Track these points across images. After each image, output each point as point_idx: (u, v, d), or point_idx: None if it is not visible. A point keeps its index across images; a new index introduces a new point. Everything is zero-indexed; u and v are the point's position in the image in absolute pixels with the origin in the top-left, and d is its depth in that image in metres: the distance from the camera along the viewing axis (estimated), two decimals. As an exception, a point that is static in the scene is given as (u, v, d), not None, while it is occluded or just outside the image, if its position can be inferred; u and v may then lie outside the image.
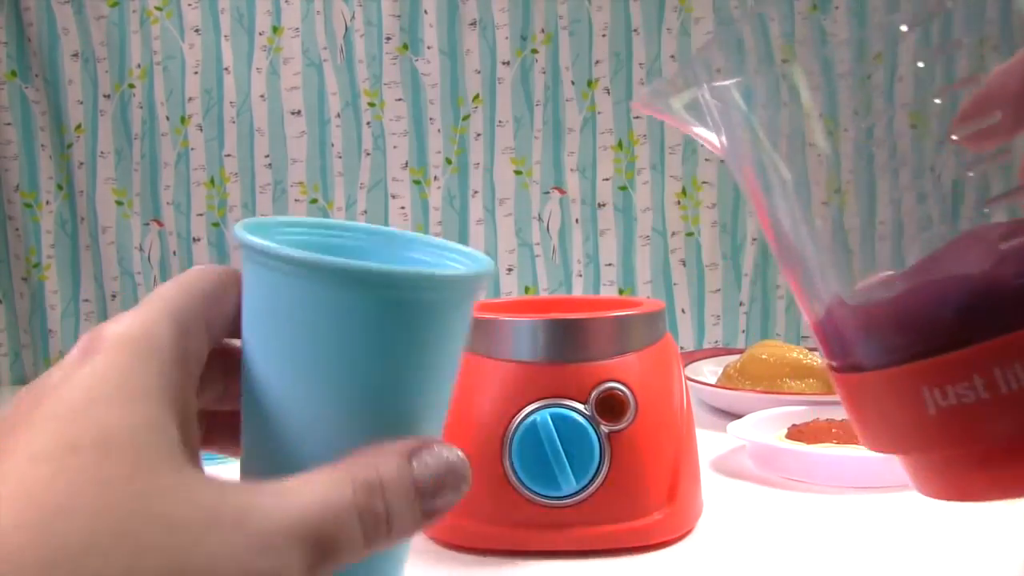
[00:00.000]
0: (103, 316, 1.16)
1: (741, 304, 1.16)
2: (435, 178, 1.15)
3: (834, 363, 0.29)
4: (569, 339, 0.50)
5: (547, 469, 0.48)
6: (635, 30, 1.14)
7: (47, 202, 1.15)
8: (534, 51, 1.14)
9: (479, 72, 1.14)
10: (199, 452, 0.25)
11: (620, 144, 1.16)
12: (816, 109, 0.27)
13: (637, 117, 1.15)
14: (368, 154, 1.15)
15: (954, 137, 0.27)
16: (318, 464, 0.23)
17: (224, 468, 0.26)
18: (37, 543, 0.19)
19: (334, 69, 1.14)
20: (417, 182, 1.16)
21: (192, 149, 1.14)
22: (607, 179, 1.16)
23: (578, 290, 1.16)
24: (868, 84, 0.27)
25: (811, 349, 0.88)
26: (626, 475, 0.49)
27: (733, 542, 0.52)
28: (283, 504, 0.22)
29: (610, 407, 0.49)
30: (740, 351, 0.94)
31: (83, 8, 1.12)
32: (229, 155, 1.14)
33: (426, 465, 0.24)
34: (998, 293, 0.24)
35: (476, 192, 1.16)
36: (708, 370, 0.95)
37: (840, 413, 0.71)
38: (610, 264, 1.16)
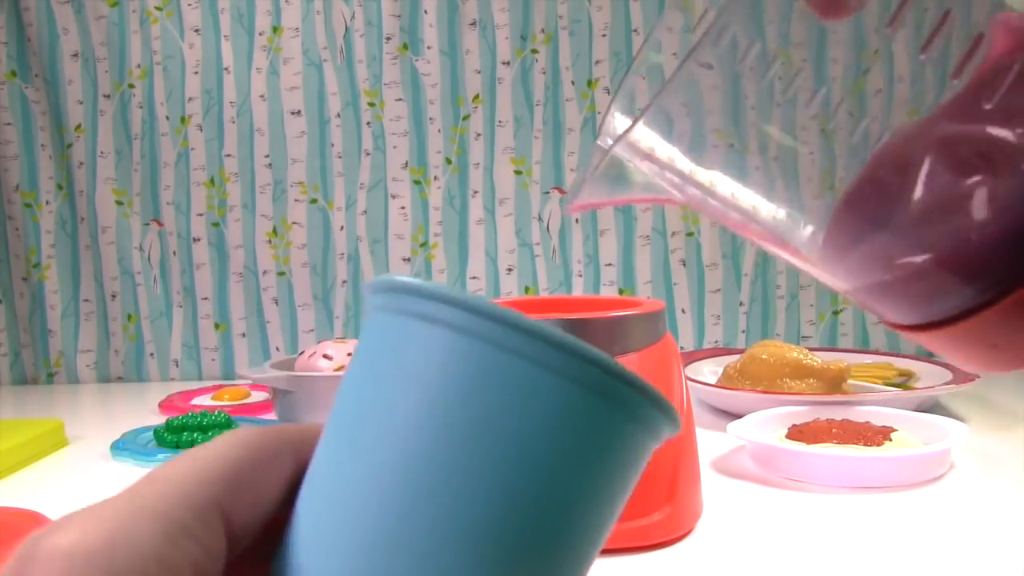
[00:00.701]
0: (103, 316, 1.16)
1: (741, 304, 1.16)
2: (435, 178, 1.16)
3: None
4: (569, 339, 0.50)
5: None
6: (635, 30, 1.14)
7: (47, 202, 1.15)
8: (534, 51, 1.14)
9: (479, 72, 1.14)
10: None
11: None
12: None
13: (637, 117, 1.15)
14: (368, 154, 1.15)
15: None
16: None
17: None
18: None
19: (334, 69, 1.14)
20: (417, 182, 1.16)
21: (192, 149, 1.14)
22: (607, 179, 1.16)
23: (578, 290, 1.16)
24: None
25: (811, 349, 0.88)
26: (626, 475, 0.49)
27: (733, 542, 0.52)
28: None
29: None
30: (740, 351, 0.94)
31: (83, 8, 1.12)
32: (229, 155, 1.14)
33: None
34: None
35: (476, 192, 1.16)
36: (708, 370, 0.95)
37: (840, 413, 0.72)
38: (610, 264, 1.16)
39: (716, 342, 1.16)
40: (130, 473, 0.69)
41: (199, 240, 1.15)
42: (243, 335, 1.16)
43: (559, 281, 1.16)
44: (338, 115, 1.14)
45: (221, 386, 1.03)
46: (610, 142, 0.28)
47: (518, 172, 1.15)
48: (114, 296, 1.16)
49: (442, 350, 0.18)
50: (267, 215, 1.15)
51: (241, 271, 1.16)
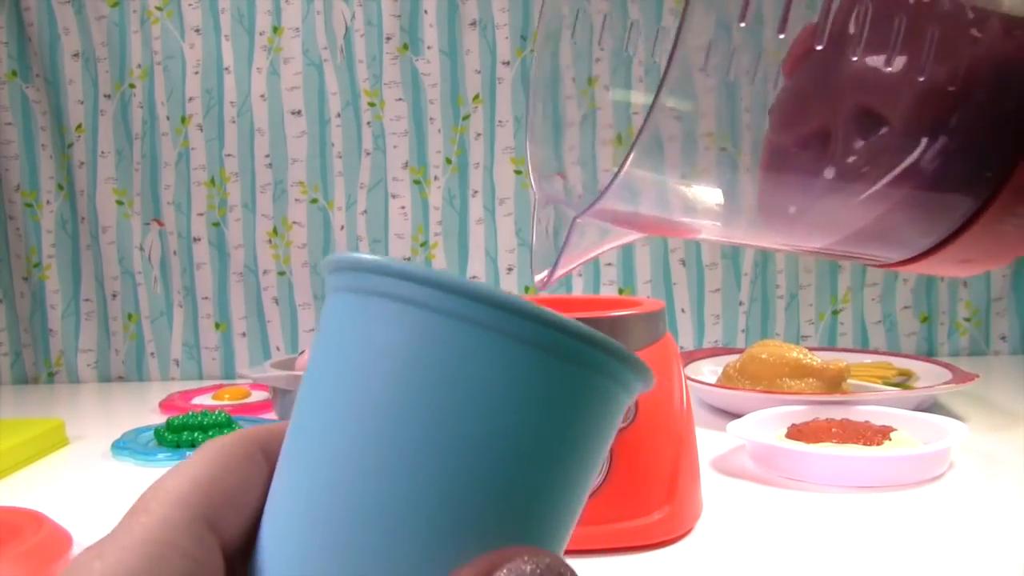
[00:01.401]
0: (103, 316, 1.16)
1: (741, 304, 1.16)
2: (435, 178, 1.16)
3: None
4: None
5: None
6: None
7: (48, 202, 1.15)
8: (534, 51, 1.14)
9: (479, 72, 1.14)
10: None
11: (620, 140, 1.15)
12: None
13: (636, 113, 1.15)
14: (368, 154, 1.15)
15: None
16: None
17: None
18: None
19: (334, 69, 1.14)
20: (417, 182, 1.16)
21: (192, 149, 1.14)
22: (607, 179, 1.16)
23: (578, 290, 1.16)
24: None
25: (811, 349, 0.88)
26: (626, 475, 0.49)
27: (733, 542, 0.52)
28: None
29: (610, 407, 0.49)
30: (740, 351, 0.94)
31: (83, 8, 1.12)
32: (229, 155, 1.14)
33: None
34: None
35: (476, 192, 1.16)
36: (708, 370, 0.95)
37: (840, 412, 0.72)
38: (610, 264, 1.16)
39: (716, 342, 1.16)
40: (130, 472, 0.69)
41: (199, 240, 1.15)
42: (243, 335, 1.17)
43: (559, 281, 1.16)
44: (338, 115, 1.14)
45: (221, 386, 1.03)
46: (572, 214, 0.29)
47: (518, 172, 1.15)
48: (115, 296, 1.16)
49: (408, 327, 0.18)
50: (267, 215, 1.15)
51: (241, 271, 1.16)
